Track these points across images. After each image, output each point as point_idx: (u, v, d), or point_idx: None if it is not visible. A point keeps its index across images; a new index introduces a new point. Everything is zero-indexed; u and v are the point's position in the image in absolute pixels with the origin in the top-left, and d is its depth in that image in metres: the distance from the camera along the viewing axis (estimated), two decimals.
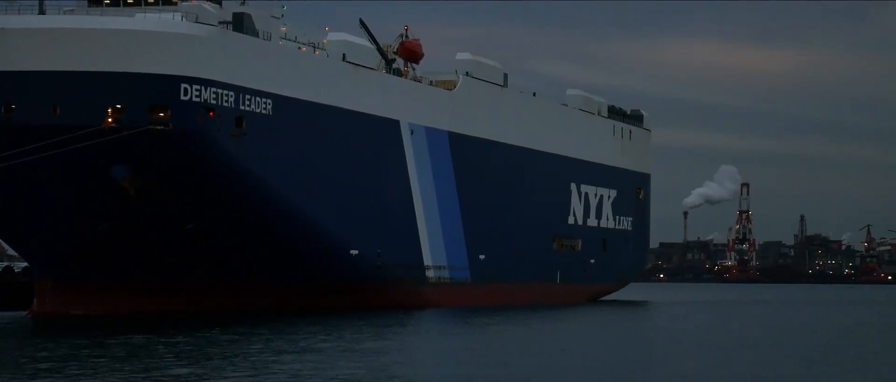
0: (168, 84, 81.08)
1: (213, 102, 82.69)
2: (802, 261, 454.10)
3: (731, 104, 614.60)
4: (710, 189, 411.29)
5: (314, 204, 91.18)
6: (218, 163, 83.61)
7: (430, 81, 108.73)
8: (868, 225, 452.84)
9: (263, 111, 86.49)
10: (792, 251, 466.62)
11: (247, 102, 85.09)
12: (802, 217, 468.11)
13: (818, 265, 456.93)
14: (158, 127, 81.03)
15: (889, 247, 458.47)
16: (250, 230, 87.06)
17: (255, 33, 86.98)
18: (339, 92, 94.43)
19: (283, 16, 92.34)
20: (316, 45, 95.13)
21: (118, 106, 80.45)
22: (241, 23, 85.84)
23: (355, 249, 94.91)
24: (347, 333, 66.79)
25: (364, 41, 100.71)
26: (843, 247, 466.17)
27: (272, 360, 50.13)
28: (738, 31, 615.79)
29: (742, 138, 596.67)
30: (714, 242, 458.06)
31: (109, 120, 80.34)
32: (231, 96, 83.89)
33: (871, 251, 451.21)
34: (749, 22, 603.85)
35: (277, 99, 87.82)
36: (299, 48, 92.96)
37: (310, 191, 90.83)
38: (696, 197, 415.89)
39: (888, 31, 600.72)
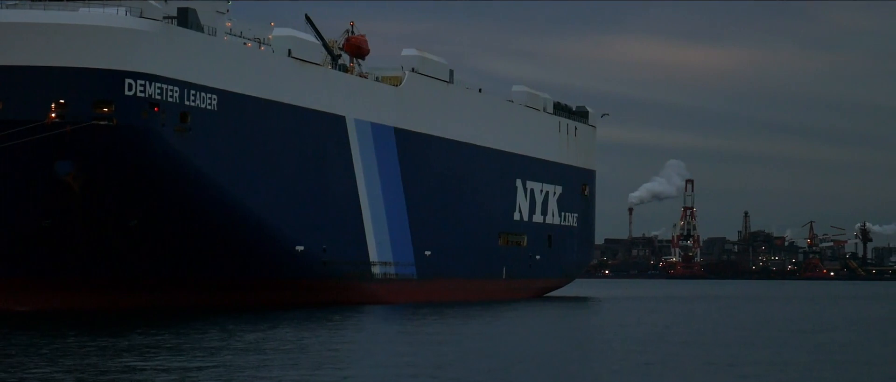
0: (112, 79, 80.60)
1: (158, 97, 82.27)
2: (746, 257, 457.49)
3: (676, 102, 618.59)
4: (657, 184, 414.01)
5: (259, 200, 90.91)
6: (162, 159, 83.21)
7: (376, 77, 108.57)
8: (811, 222, 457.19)
9: (209, 107, 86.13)
10: (736, 247, 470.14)
11: (192, 98, 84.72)
12: (746, 214, 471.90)
13: (762, 261, 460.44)
14: (102, 122, 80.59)
15: (831, 243, 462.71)
16: (195, 226, 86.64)
17: (200, 28, 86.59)
18: (285, 88, 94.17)
19: (228, 11, 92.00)
20: (261, 40, 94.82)
21: (61, 101, 79.91)
22: (185, 18, 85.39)
23: (301, 245, 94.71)
24: (292, 330, 66.60)
25: (310, 37, 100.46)
26: (787, 243, 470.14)
27: (216, 356, 49.93)
28: (682, 29, 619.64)
29: (686, 135, 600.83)
30: (659, 238, 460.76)
31: (53, 115, 79.82)
32: (176, 92, 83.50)
33: (814, 248, 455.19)
34: (693, 20, 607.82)
35: (223, 94, 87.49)
36: (245, 44, 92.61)
37: (255, 187, 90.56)
38: (643, 192, 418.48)
39: (831, 29, 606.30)
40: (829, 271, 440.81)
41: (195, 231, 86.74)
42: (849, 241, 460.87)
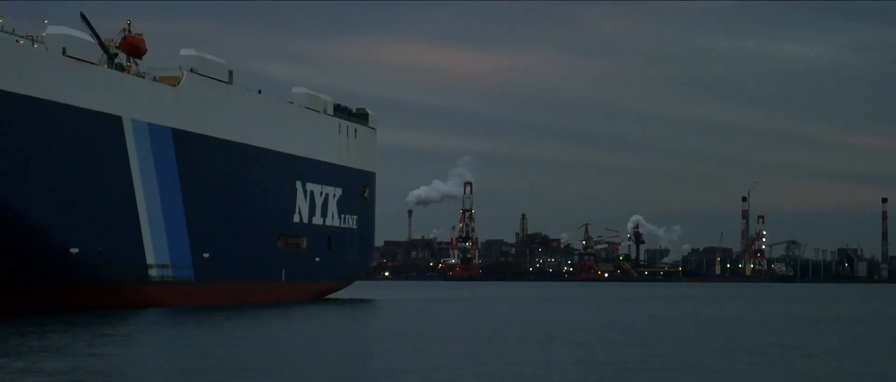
0: None
1: None
2: (523, 259, 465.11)
3: (450, 105, 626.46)
4: (451, 185, 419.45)
5: (32, 201, 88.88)
6: None
7: (154, 77, 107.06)
8: (586, 224, 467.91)
9: None
10: (513, 249, 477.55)
11: None
12: (523, 216, 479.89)
13: (539, 262, 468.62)
14: None
15: (606, 246, 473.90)
16: None
17: None
18: (59, 87, 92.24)
19: None
20: (35, 38, 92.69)
21: None
22: None
23: (75, 247, 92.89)
24: (60, 335, 65.31)
25: (85, 35, 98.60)
26: (563, 245, 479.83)
27: None
28: (448, 33, 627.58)
29: (463, 138, 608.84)
30: (438, 240, 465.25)
31: None
32: None
33: (589, 250, 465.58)
34: (458, 23, 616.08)
35: None
36: (17, 41, 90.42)
37: (27, 188, 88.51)
38: (432, 191, 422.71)
39: (591, 33, 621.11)
40: (603, 272, 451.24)
41: None
42: (622, 243, 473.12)
